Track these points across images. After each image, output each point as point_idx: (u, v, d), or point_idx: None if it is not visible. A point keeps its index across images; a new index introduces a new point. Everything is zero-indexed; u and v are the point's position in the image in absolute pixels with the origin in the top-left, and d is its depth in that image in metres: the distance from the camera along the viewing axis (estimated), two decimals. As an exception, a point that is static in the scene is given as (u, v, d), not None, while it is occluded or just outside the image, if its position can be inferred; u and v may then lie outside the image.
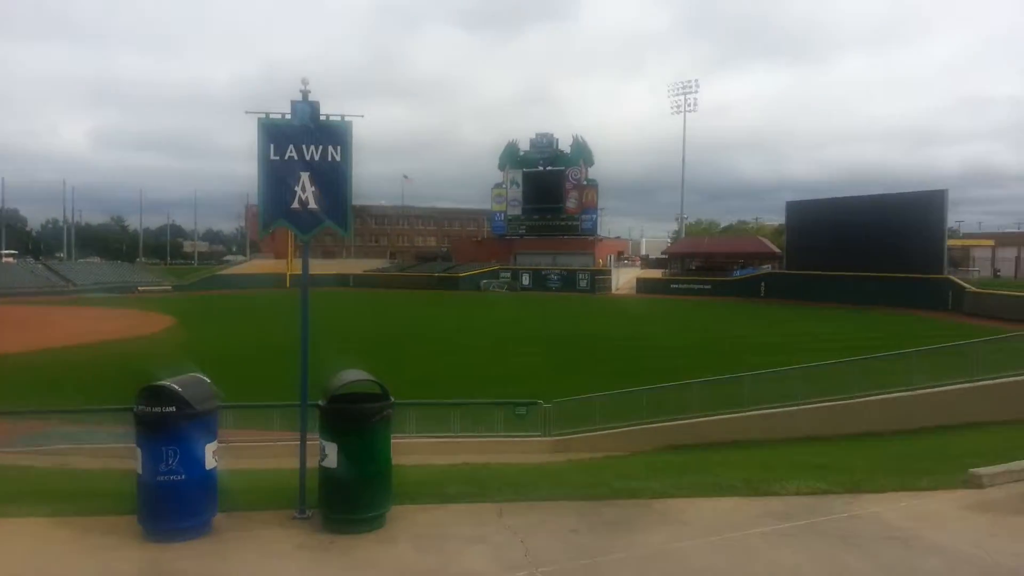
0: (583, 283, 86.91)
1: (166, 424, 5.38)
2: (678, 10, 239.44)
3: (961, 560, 5.56)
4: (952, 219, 68.52)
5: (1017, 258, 71.80)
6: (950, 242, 64.94)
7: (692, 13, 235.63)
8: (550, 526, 6.13)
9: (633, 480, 7.82)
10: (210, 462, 5.61)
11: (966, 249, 76.83)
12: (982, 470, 7.52)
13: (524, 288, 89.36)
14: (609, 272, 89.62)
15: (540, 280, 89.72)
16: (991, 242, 78.66)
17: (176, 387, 5.44)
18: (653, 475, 8.42)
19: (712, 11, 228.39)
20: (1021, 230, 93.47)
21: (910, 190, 62.55)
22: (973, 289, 54.48)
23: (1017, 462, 7.80)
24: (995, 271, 71.35)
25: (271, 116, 5.97)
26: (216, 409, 5.83)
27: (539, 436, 19.21)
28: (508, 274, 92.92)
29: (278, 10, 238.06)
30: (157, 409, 5.38)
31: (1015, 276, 67.64)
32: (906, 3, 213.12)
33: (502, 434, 19.06)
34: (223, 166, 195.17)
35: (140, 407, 5.46)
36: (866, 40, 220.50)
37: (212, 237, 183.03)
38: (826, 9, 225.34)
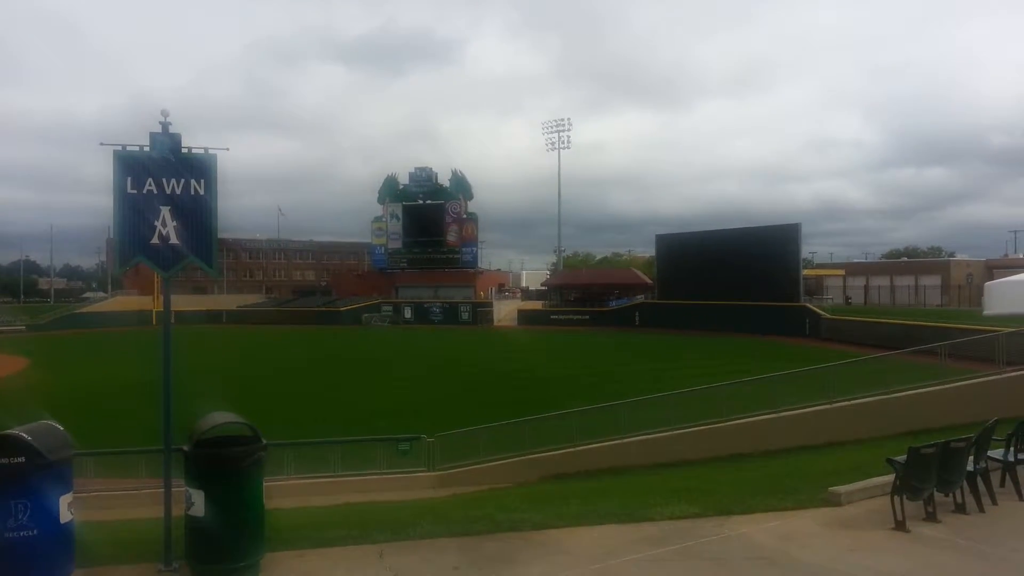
0: (465, 315, 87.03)
1: (15, 476, 5.01)
2: (552, 56, 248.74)
3: None
4: (806, 251, 73.38)
5: (866, 286, 77.57)
6: (805, 272, 69.32)
7: (566, 57, 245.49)
8: (432, 565, 6.04)
9: (515, 512, 7.82)
10: (65, 515, 5.24)
11: (820, 278, 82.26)
12: (840, 488, 8.00)
13: (406, 321, 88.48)
14: (491, 304, 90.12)
15: (422, 313, 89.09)
16: (842, 272, 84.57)
17: (25, 436, 5.10)
18: (534, 506, 8.45)
19: (584, 58, 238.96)
20: (868, 260, 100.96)
21: (768, 223, 66.58)
22: (828, 316, 58.27)
23: (870, 479, 8.35)
24: (847, 298, 76.71)
25: (128, 148, 5.70)
26: (70, 458, 5.49)
27: (423, 471, 18.95)
28: (390, 308, 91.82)
29: (150, 42, 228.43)
30: (4, 460, 5.02)
31: (865, 303, 72.81)
32: (758, 57, 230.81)
33: (385, 471, 18.68)
34: (82, 200, 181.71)
35: (-16, 459, 5.05)
36: (724, 88, 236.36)
37: (70, 273, 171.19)
38: (688, 60, 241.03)
